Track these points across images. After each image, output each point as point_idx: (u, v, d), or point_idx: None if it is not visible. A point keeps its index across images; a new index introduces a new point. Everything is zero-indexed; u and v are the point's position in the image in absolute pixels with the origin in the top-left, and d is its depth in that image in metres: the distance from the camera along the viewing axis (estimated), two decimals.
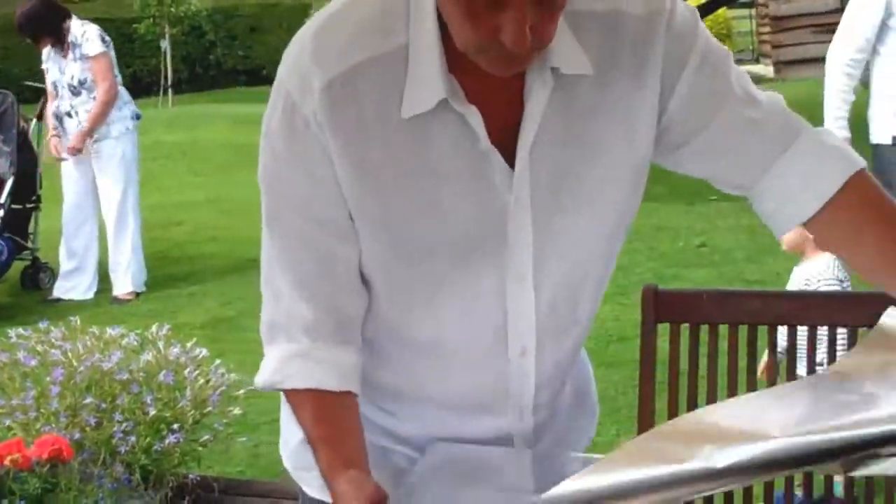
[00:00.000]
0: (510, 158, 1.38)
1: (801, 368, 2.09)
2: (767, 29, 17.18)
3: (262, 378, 1.46)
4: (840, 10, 14.95)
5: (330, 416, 1.42)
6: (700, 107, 1.44)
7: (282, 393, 1.49)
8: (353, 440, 1.42)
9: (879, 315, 2.02)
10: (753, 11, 19.42)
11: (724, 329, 2.09)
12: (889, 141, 4.28)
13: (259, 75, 18.40)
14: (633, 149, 1.44)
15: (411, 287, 1.45)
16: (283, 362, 1.43)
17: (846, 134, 4.34)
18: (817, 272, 3.55)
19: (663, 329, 2.12)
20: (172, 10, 17.82)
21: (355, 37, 1.34)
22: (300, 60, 1.35)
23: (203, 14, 19.38)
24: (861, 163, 1.48)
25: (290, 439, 1.65)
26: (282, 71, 1.39)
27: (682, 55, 1.42)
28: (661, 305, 2.13)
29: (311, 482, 1.61)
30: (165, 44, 17.16)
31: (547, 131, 1.38)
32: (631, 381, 4.36)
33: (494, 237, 1.41)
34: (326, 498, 1.56)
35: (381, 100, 1.34)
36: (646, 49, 1.40)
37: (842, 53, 4.33)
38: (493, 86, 1.33)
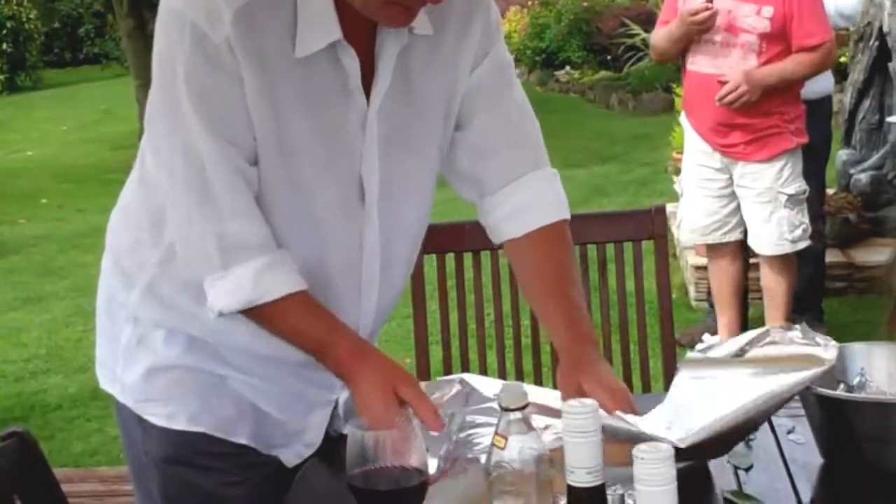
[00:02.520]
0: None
1: None
2: None
3: (238, 298, 1.52)
4: None
5: (318, 312, 1.56)
6: (487, 93, 1.70)
7: (216, 314, 1.54)
8: (344, 326, 1.58)
9: (626, 231, 2.37)
10: None
11: (485, 256, 2.35)
12: None
13: None
14: (451, 101, 1.67)
15: (292, 215, 1.58)
16: (255, 279, 1.52)
17: None
18: None
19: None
20: None
21: None
22: None
23: None
24: (568, 215, 1.76)
25: (126, 376, 1.72)
26: (178, 4, 1.48)
27: (489, 42, 1.68)
28: (427, 237, 2.36)
29: (155, 412, 1.70)
30: None
31: (392, 82, 1.57)
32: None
33: (352, 176, 1.60)
34: (170, 425, 1.69)
35: (276, 34, 1.48)
36: (469, 23, 1.63)
37: None
38: (355, 34, 1.51)
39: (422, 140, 1.66)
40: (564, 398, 1.55)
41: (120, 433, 1.83)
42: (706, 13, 3.82)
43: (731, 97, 3.81)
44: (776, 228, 3.98)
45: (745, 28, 3.82)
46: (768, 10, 3.77)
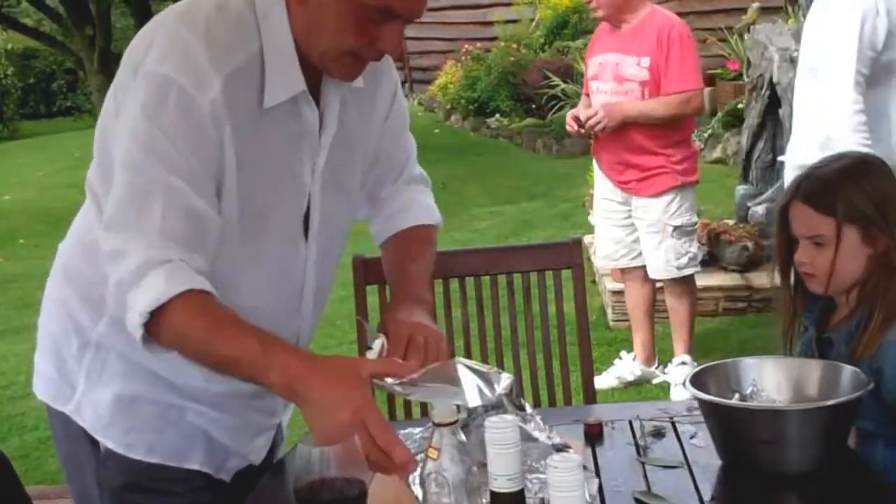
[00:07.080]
0: None
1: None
2: None
3: (154, 293, 1.39)
4: None
5: (227, 312, 1.43)
6: (393, 135, 1.77)
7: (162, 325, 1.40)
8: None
9: (548, 261, 2.38)
10: None
11: None
12: None
13: None
14: (373, 146, 1.72)
15: (244, 258, 1.56)
16: (168, 275, 1.40)
17: None
18: None
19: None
20: None
21: (231, 42, 1.46)
22: (193, 60, 1.42)
23: None
24: (439, 220, 1.86)
25: (86, 397, 1.69)
26: (167, 69, 1.42)
27: (395, 87, 1.73)
28: (369, 271, 2.37)
29: (115, 439, 1.67)
30: None
31: (335, 130, 1.59)
32: None
33: (300, 216, 1.60)
34: (128, 454, 1.67)
35: (252, 89, 1.47)
36: (383, 75, 1.68)
37: None
38: (309, 86, 1.51)
39: (352, 181, 1.69)
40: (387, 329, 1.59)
41: (62, 455, 1.79)
42: (577, 129, 4.02)
43: (591, 122, 3.94)
44: (664, 255, 4.04)
45: (629, 77, 3.95)
46: (646, 61, 3.91)
